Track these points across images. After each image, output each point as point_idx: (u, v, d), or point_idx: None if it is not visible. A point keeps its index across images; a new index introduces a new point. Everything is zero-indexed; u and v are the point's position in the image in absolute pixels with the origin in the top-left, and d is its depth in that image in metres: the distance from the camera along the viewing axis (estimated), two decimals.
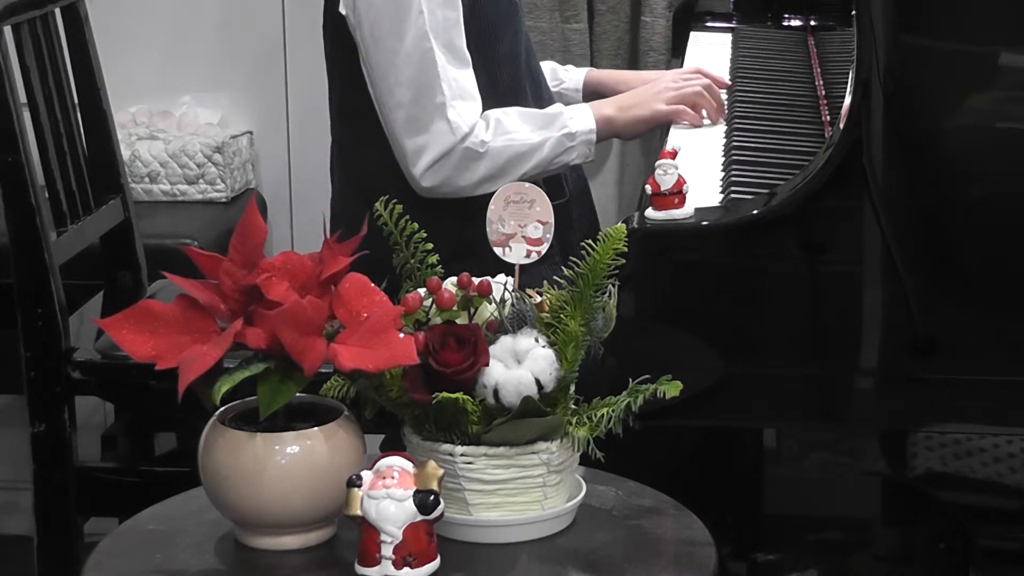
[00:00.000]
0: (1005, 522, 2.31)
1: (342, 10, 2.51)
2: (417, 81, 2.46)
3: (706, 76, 2.87)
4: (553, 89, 2.85)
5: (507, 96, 2.57)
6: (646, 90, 2.72)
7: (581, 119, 2.56)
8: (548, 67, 2.90)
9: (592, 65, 3.49)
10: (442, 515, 1.69)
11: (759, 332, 2.17)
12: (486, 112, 2.52)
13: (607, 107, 2.64)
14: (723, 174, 2.46)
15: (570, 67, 2.95)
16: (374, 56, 2.49)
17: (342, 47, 2.55)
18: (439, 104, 2.46)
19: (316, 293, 1.75)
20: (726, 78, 2.97)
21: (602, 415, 1.78)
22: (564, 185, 2.64)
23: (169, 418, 2.92)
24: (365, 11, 2.48)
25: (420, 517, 1.67)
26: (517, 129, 2.51)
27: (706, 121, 2.73)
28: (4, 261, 2.63)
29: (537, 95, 2.65)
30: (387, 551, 1.67)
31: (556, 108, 2.59)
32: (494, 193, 1.90)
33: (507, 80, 2.58)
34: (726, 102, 2.83)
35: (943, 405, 2.16)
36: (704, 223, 2.16)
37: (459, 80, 2.48)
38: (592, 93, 2.88)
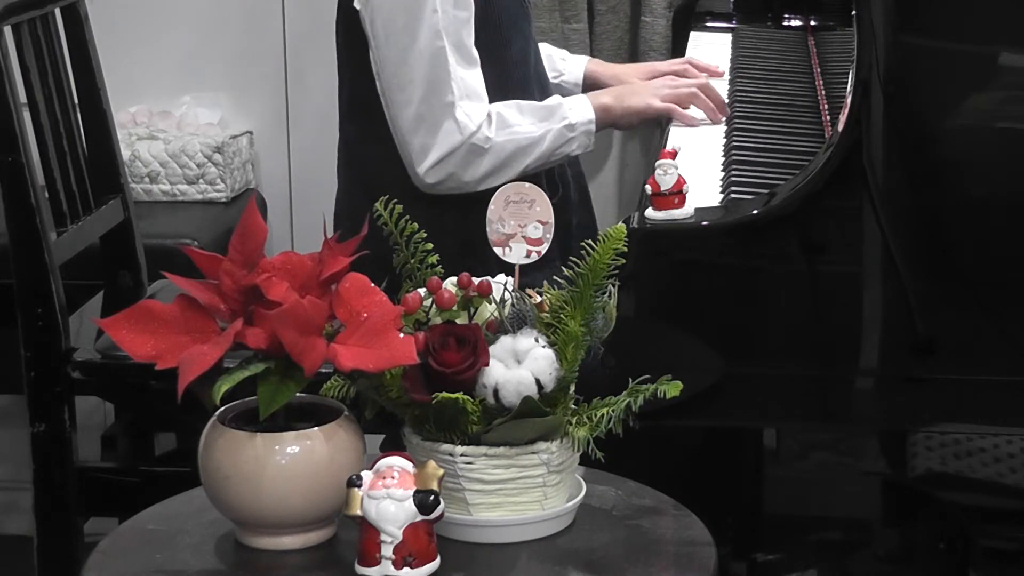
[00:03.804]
0: (1005, 522, 2.31)
1: (356, 4, 2.51)
2: (428, 79, 2.46)
3: (696, 66, 2.90)
4: (552, 80, 2.85)
5: (516, 97, 2.57)
6: (643, 84, 2.76)
7: (580, 110, 2.58)
8: (544, 51, 2.91)
9: None
10: (442, 515, 1.69)
11: (759, 332, 2.17)
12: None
13: (604, 96, 2.66)
14: (723, 174, 2.46)
15: (565, 54, 2.96)
16: (385, 52, 2.49)
17: (355, 42, 2.54)
18: (448, 103, 2.47)
19: (316, 293, 1.75)
20: (724, 76, 2.98)
21: (602, 415, 1.78)
22: (557, 183, 2.64)
23: (169, 418, 2.92)
24: (379, 6, 2.48)
25: (420, 517, 1.67)
26: (518, 123, 2.52)
27: (702, 118, 2.73)
28: (4, 261, 2.62)
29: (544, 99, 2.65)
30: (387, 551, 1.67)
31: (555, 100, 2.60)
32: (495, 192, 1.90)
33: (516, 83, 2.59)
34: (726, 102, 2.83)
35: (943, 405, 2.16)
36: (704, 223, 2.16)
37: (467, 79, 2.48)
38: (591, 87, 2.89)
